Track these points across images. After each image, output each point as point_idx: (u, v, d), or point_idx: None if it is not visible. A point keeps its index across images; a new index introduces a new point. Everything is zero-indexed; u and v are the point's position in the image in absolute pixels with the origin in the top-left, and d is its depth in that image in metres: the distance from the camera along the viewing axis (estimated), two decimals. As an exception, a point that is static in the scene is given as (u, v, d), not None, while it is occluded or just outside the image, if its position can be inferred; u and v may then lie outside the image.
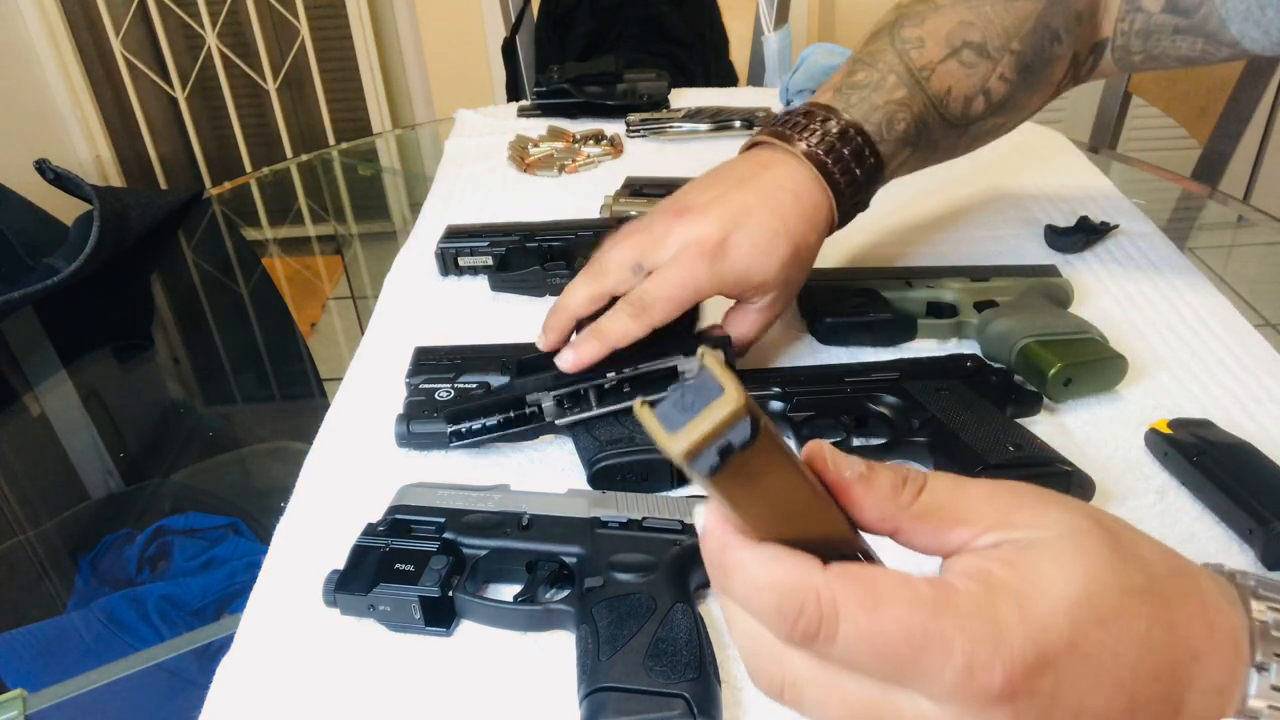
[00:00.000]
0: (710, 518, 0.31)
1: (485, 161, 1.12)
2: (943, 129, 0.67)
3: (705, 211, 0.61)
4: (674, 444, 0.25)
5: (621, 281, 0.61)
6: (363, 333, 0.78)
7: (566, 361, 0.59)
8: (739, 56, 1.98)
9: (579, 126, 1.18)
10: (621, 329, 0.59)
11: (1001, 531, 0.29)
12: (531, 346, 0.68)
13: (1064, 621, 0.27)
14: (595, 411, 0.60)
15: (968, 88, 0.66)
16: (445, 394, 0.64)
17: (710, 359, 0.26)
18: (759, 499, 0.28)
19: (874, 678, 0.28)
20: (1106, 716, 0.27)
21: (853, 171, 0.63)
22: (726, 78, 1.96)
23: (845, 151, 0.63)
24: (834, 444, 0.58)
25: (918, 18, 0.67)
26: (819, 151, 0.62)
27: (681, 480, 0.59)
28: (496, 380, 0.65)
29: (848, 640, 0.27)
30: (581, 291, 0.62)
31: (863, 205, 0.67)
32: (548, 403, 0.60)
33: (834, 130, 0.63)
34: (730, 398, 0.24)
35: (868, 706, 0.28)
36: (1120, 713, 0.27)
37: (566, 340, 0.62)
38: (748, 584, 0.29)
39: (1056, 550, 0.28)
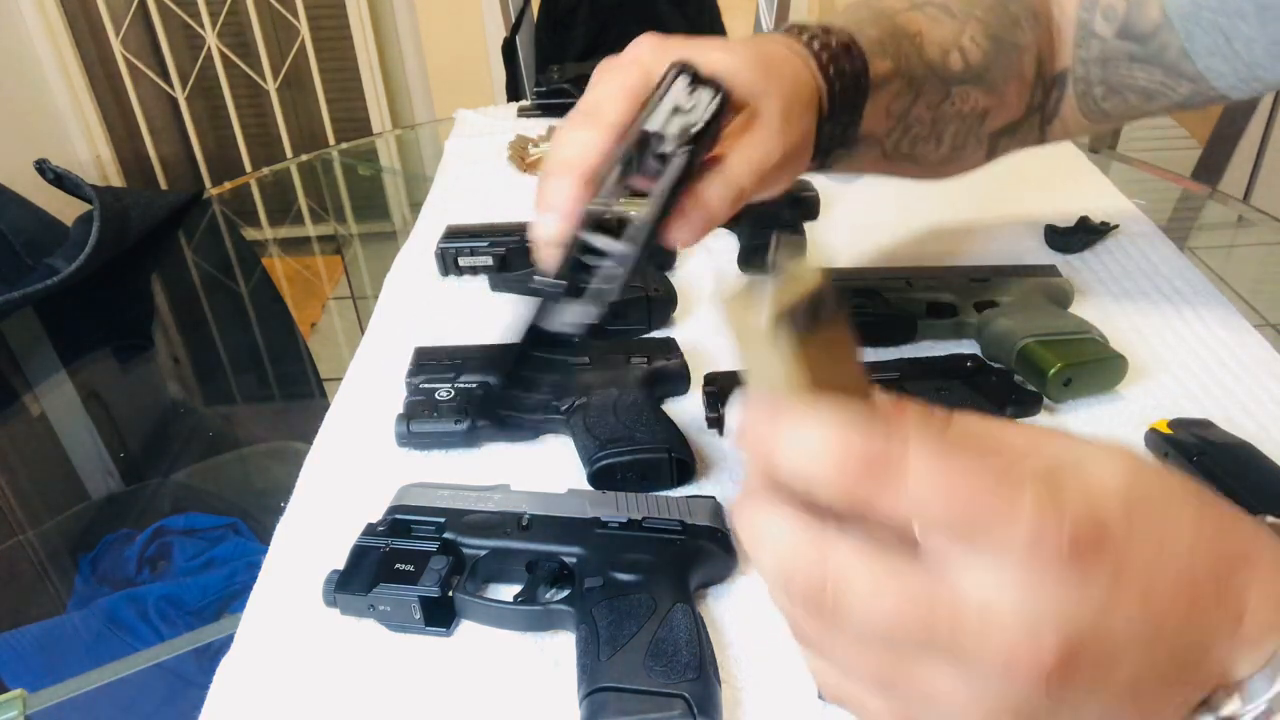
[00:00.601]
0: (753, 399, 0.28)
1: (485, 161, 1.12)
2: (922, 67, 0.61)
3: (678, 39, 0.53)
4: (777, 297, 0.25)
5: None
6: (363, 333, 0.78)
7: (540, 229, 0.44)
8: (739, 56, 1.97)
9: (579, 126, 1.18)
10: (572, 145, 0.47)
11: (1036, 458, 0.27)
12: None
13: (1118, 500, 0.25)
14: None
15: (940, 37, 0.61)
16: (445, 394, 0.64)
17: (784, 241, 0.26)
18: (829, 376, 0.27)
19: (942, 533, 0.25)
20: (1173, 601, 0.26)
21: (841, 64, 0.55)
22: (726, 78, 1.96)
23: (831, 40, 0.55)
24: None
25: None
26: (800, 35, 0.56)
27: (681, 480, 0.59)
28: (496, 380, 0.65)
29: (920, 481, 0.25)
30: (580, 137, 0.47)
31: (854, 122, 0.58)
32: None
33: (815, 26, 0.57)
34: (813, 270, 0.25)
35: (926, 590, 0.25)
36: (1185, 602, 0.26)
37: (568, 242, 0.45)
38: (807, 438, 0.26)
39: (1096, 455, 0.27)
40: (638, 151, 0.44)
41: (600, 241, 0.43)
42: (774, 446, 0.26)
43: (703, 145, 0.44)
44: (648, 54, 0.50)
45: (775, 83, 0.52)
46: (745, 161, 0.49)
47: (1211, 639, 0.27)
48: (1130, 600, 0.25)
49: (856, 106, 0.58)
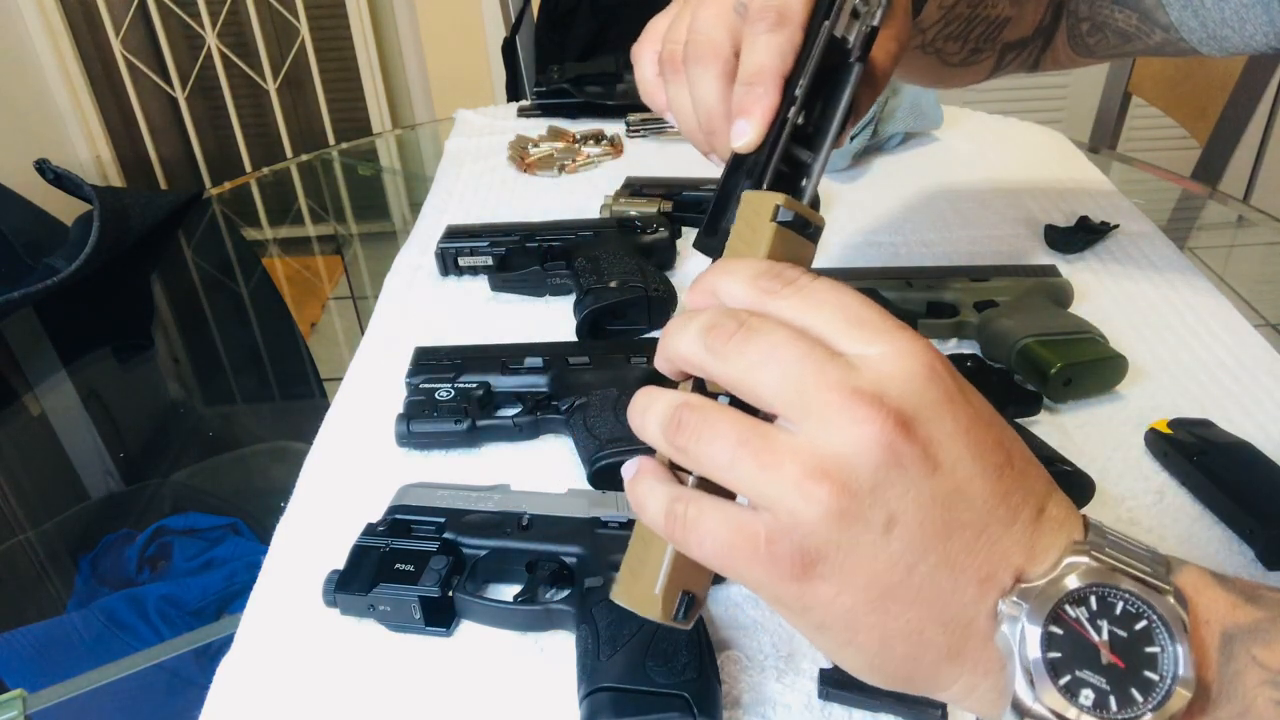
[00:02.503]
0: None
1: (485, 161, 1.12)
2: None
3: None
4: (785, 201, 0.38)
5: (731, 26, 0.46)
6: (363, 333, 0.78)
7: (744, 136, 0.43)
8: (739, 56, 1.97)
9: (579, 126, 1.18)
10: (771, 50, 0.43)
11: None
12: (528, 348, 0.68)
13: (943, 367, 0.31)
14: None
15: None
16: (445, 394, 0.64)
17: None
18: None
19: (834, 325, 0.32)
20: (991, 451, 0.31)
21: None
22: (726, 78, 1.96)
23: None
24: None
25: None
26: None
27: (681, 480, 0.58)
28: (497, 380, 0.65)
29: (821, 288, 0.33)
30: (774, 42, 0.43)
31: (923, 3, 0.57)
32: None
33: None
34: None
35: (810, 358, 0.31)
36: (1000, 460, 0.31)
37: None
38: (738, 262, 0.37)
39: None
40: (824, 60, 0.42)
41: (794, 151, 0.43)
42: (714, 271, 0.36)
43: (871, 48, 0.43)
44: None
45: None
46: (886, 55, 0.48)
47: (1017, 511, 0.31)
48: (959, 419, 0.30)
49: None
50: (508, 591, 0.51)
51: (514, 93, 1.87)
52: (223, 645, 0.50)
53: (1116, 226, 0.86)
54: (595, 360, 0.66)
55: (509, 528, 0.52)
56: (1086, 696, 0.30)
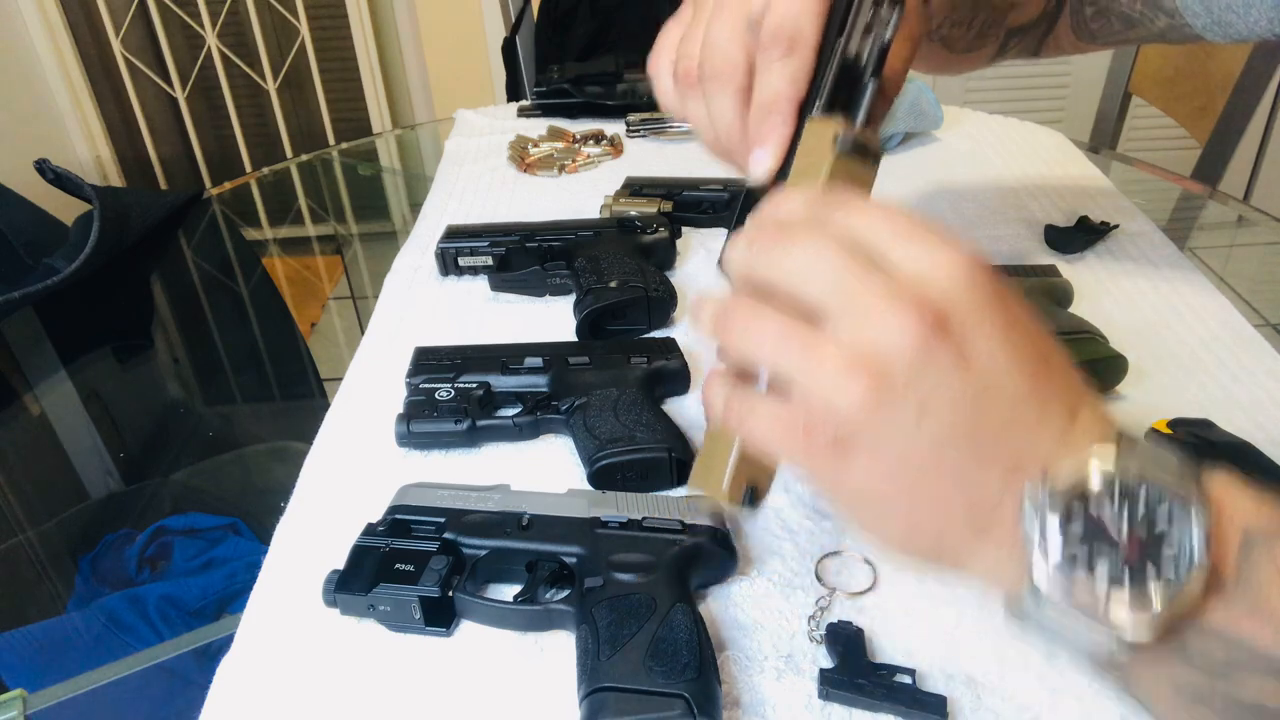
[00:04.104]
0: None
1: (485, 161, 1.12)
2: None
3: None
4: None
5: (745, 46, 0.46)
6: (363, 333, 0.78)
7: (762, 165, 0.45)
8: (739, 56, 1.97)
9: (579, 126, 1.18)
10: (784, 77, 0.43)
11: None
12: (528, 348, 0.68)
13: (987, 274, 0.33)
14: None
15: None
16: (445, 394, 0.64)
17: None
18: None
19: (882, 235, 0.34)
20: (1027, 350, 0.33)
21: None
22: (726, 78, 1.96)
23: None
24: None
25: None
26: None
27: (681, 480, 0.59)
28: (497, 380, 0.65)
29: (869, 210, 0.35)
30: (788, 68, 0.44)
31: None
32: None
33: None
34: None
35: (856, 262, 0.34)
36: (1035, 361, 0.33)
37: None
38: (795, 192, 0.38)
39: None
40: (839, 79, 0.43)
41: None
42: (770, 199, 0.38)
43: (885, 61, 0.44)
44: None
45: None
46: (900, 60, 0.49)
47: (1049, 410, 0.33)
48: (996, 322, 0.32)
49: None
50: (508, 591, 0.51)
51: (514, 93, 1.87)
52: (223, 645, 0.50)
53: (1116, 226, 0.86)
54: (595, 360, 0.66)
55: (509, 528, 0.52)
56: (1101, 578, 0.31)
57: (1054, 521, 0.31)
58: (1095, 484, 0.32)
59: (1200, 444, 0.56)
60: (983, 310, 0.32)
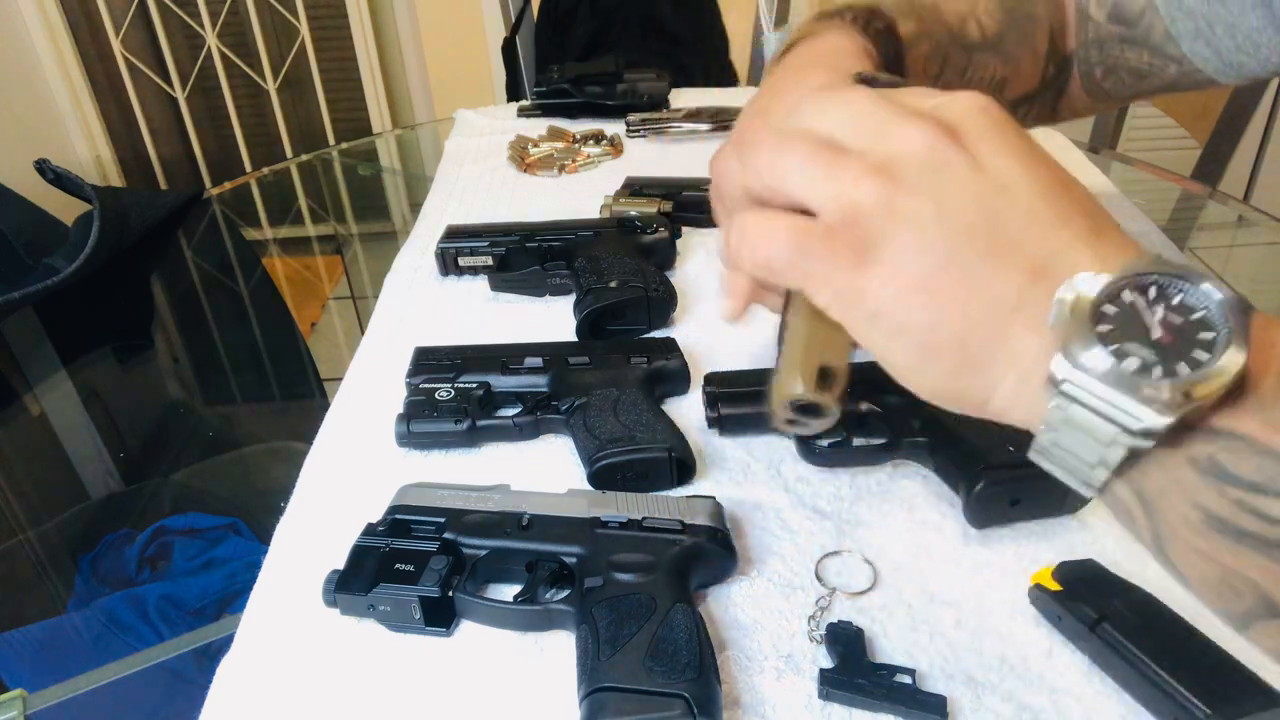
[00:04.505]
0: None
1: (485, 161, 1.12)
2: (946, 36, 0.65)
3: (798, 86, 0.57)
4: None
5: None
6: (363, 333, 0.78)
7: (725, 313, 0.48)
8: (739, 56, 1.98)
9: (579, 126, 1.18)
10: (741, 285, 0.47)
11: None
12: (528, 348, 0.68)
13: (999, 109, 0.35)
14: None
15: (955, 8, 0.66)
16: (445, 394, 0.64)
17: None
18: None
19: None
20: (1041, 169, 0.34)
21: (874, 22, 0.61)
22: (726, 78, 1.96)
23: (878, 25, 0.61)
24: (833, 444, 0.58)
25: None
26: (853, 19, 0.61)
27: (681, 480, 0.59)
28: (497, 380, 0.65)
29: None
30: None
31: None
32: None
33: (859, 5, 0.62)
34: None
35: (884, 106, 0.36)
36: (1050, 180, 0.34)
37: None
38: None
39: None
40: None
41: None
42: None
43: None
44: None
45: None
46: None
47: (1068, 218, 0.33)
48: (1009, 140, 0.34)
49: (898, 67, 0.62)
50: (508, 591, 0.51)
51: (514, 93, 1.87)
52: (223, 645, 0.50)
53: (1116, 226, 0.86)
54: (595, 360, 0.66)
55: (509, 528, 0.52)
56: (1130, 364, 0.30)
57: (1085, 305, 0.31)
58: (1131, 274, 0.31)
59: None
60: (996, 130, 0.34)
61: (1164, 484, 0.32)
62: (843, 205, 0.34)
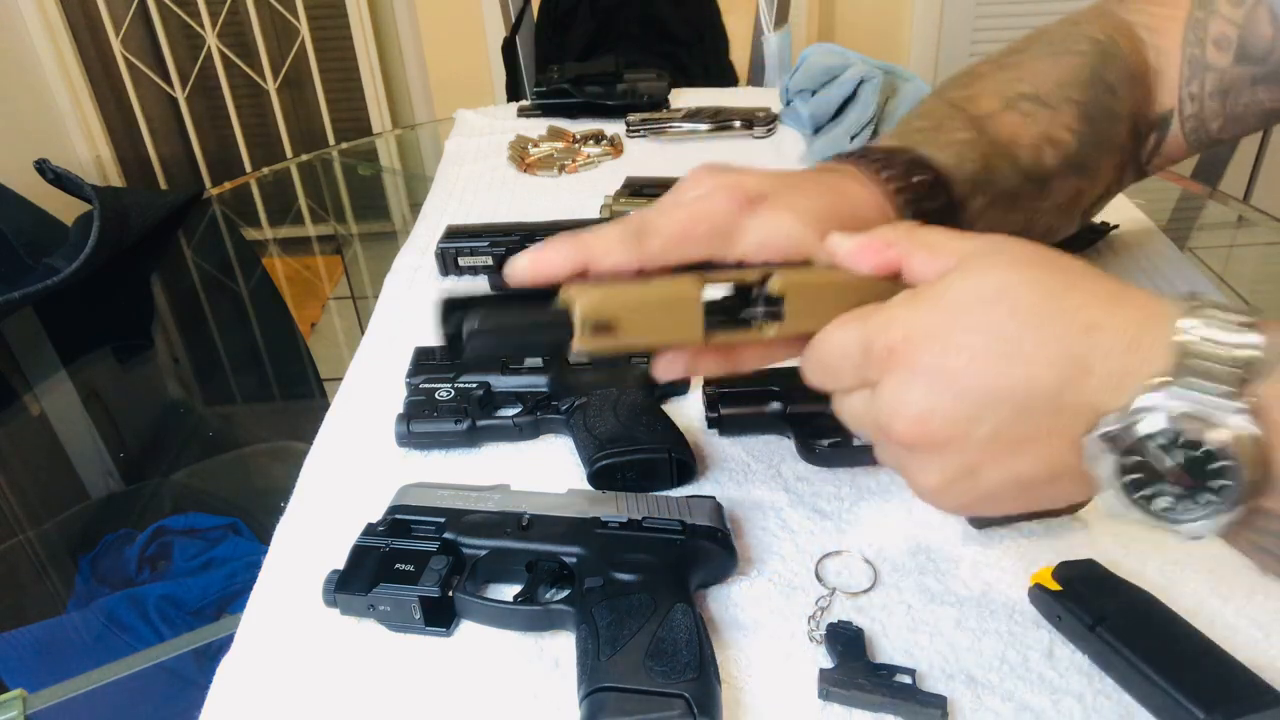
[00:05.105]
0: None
1: (485, 161, 1.12)
2: (1017, 178, 0.59)
3: (754, 172, 0.51)
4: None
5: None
6: (363, 333, 0.78)
7: (519, 263, 0.44)
8: (739, 56, 1.98)
9: (579, 126, 1.18)
10: (603, 245, 0.45)
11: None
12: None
13: (917, 332, 0.38)
14: None
15: (1033, 135, 0.60)
16: (445, 394, 0.64)
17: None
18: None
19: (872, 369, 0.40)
20: (1002, 375, 0.36)
21: (922, 203, 0.54)
22: (726, 78, 1.96)
23: (913, 180, 0.54)
24: (833, 444, 0.58)
25: (960, 84, 0.63)
26: (883, 174, 0.54)
27: (681, 480, 0.59)
28: (497, 380, 0.65)
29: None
30: (609, 236, 0.46)
31: None
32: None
33: (901, 161, 0.55)
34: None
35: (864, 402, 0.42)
36: (1018, 374, 0.36)
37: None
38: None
39: (966, 265, 0.39)
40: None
41: None
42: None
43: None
44: (721, 197, 0.48)
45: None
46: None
47: (1058, 395, 0.36)
48: (955, 383, 0.37)
49: (941, 216, 0.56)
50: (508, 591, 0.51)
51: (514, 93, 1.87)
52: (223, 645, 0.50)
53: (1116, 226, 0.86)
54: (595, 360, 0.66)
55: (509, 528, 0.52)
56: (1161, 503, 0.36)
57: (1109, 464, 0.35)
58: (1142, 431, 0.34)
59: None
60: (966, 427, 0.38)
61: (1229, 540, 0.38)
62: (882, 425, 0.40)
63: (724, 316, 0.43)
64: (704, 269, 0.44)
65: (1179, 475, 0.35)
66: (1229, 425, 0.33)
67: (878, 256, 0.42)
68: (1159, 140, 0.66)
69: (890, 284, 0.42)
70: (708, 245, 0.46)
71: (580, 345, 0.41)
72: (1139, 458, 0.35)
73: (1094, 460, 0.36)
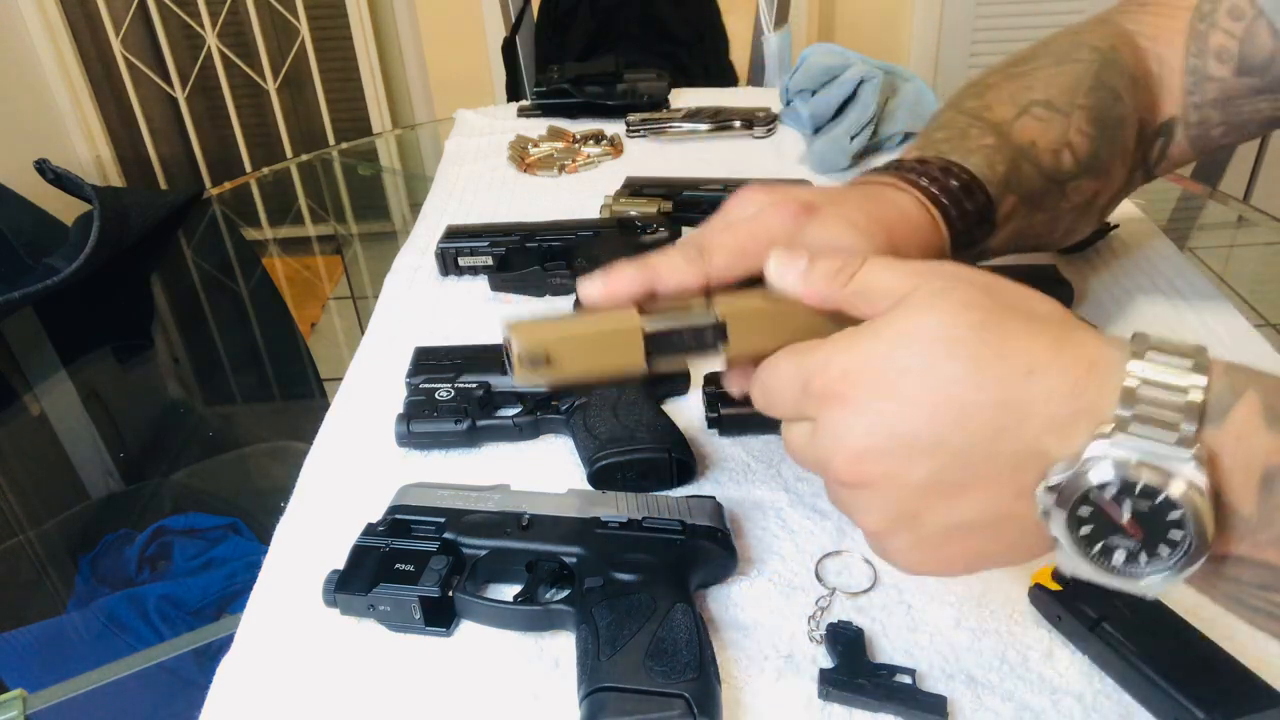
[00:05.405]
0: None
1: (485, 161, 1.12)
2: (1041, 181, 0.61)
3: (801, 188, 0.54)
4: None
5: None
6: (363, 333, 0.78)
7: (592, 288, 0.46)
8: (739, 56, 1.98)
9: (579, 126, 1.18)
10: (668, 266, 0.47)
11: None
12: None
13: (881, 346, 0.37)
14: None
15: (1050, 140, 0.61)
16: (445, 394, 0.64)
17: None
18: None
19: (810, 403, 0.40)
20: (937, 421, 0.35)
21: (961, 203, 0.56)
22: (726, 78, 1.96)
23: (951, 184, 0.56)
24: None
25: (973, 94, 0.64)
26: (921, 181, 0.56)
27: (681, 480, 0.59)
28: (497, 380, 0.65)
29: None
30: (673, 257, 0.49)
31: (976, 248, 0.60)
32: None
33: (935, 168, 0.57)
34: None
35: (804, 435, 0.41)
36: (952, 419, 0.35)
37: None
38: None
39: (909, 303, 0.38)
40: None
41: None
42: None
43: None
44: (778, 211, 0.50)
45: (899, 253, 0.52)
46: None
47: (994, 440, 0.35)
48: (891, 425, 0.36)
49: (976, 240, 0.59)
50: (508, 591, 0.51)
51: (514, 93, 1.87)
52: (223, 645, 0.50)
53: (1116, 226, 0.86)
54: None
55: (509, 528, 0.52)
56: (1118, 557, 0.35)
57: (1060, 518, 0.34)
58: (1093, 482, 0.33)
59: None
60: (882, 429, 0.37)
61: (1195, 584, 0.37)
62: (822, 466, 0.40)
63: (669, 347, 0.44)
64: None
65: (1133, 527, 0.34)
66: (1181, 474, 0.32)
67: (817, 296, 0.42)
68: (1165, 145, 0.67)
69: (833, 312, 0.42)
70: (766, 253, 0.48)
71: (519, 378, 0.42)
72: (1090, 508, 0.34)
73: (1047, 514, 0.35)
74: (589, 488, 0.58)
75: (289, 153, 2.68)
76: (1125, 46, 0.65)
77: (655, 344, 0.43)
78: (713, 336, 0.44)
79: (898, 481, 0.37)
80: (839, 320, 0.40)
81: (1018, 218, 0.60)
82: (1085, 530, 0.34)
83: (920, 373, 0.36)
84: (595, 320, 0.44)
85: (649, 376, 0.44)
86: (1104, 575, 0.35)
